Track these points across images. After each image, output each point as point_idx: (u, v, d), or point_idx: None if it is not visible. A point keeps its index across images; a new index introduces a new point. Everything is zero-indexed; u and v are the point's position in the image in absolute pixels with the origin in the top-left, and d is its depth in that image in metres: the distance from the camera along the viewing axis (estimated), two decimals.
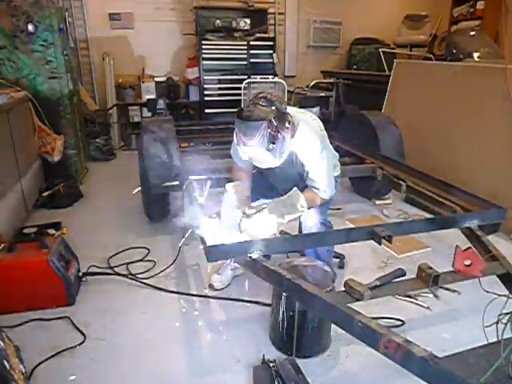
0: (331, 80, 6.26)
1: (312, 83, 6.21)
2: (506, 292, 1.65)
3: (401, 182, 2.71)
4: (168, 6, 5.76)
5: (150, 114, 5.46)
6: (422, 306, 2.15)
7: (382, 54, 5.64)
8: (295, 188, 1.95)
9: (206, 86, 5.56)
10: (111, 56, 5.39)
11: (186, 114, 5.76)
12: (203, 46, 5.43)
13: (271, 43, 5.75)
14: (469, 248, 1.76)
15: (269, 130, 1.74)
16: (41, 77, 3.61)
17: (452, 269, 1.71)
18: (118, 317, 2.07)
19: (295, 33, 6.54)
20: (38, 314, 2.04)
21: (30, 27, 3.44)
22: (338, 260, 2.52)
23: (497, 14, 5.30)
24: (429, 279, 1.62)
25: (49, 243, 2.17)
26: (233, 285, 2.34)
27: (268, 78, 5.57)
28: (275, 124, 1.76)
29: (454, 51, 4.36)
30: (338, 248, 2.47)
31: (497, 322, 1.27)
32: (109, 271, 2.45)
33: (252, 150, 1.82)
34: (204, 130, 4.23)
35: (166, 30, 5.78)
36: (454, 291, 2.25)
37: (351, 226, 3.04)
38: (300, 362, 1.69)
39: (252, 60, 5.63)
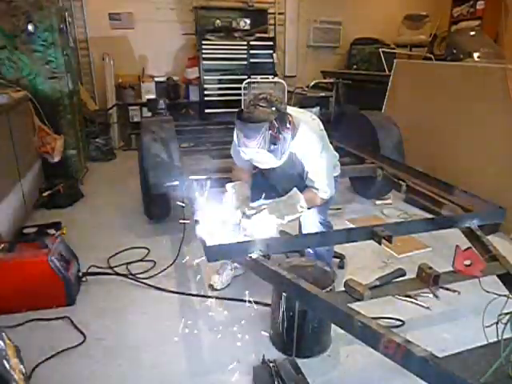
0: (331, 80, 6.27)
1: (312, 83, 6.21)
2: (506, 292, 1.65)
3: (401, 182, 2.71)
4: (168, 5, 5.76)
5: (149, 114, 5.46)
6: (422, 306, 2.15)
7: (381, 53, 5.64)
8: (295, 188, 1.95)
9: (206, 85, 5.56)
10: (111, 56, 5.38)
11: (186, 114, 5.76)
12: (203, 46, 5.43)
13: (271, 43, 5.75)
14: (469, 248, 1.76)
15: (270, 131, 1.74)
16: (41, 77, 3.61)
17: (452, 269, 1.71)
18: (118, 317, 2.07)
19: (295, 33, 6.53)
20: (38, 314, 2.04)
21: (30, 27, 3.44)
22: (338, 260, 2.52)
23: (497, 14, 5.29)
24: (429, 279, 1.62)
25: (49, 243, 2.17)
26: (233, 285, 2.34)
27: (268, 78, 5.57)
28: (276, 125, 1.76)
29: (454, 51, 4.37)
30: (337, 248, 2.47)
31: (497, 322, 1.28)
32: (109, 271, 2.45)
33: (253, 151, 1.82)
34: (204, 130, 4.24)
35: (166, 30, 5.78)
36: (454, 291, 2.25)
37: (351, 225, 3.04)
38: (300, 361, 1.69)
39: (252, 60, 5.63)
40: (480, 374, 1.17)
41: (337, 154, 2.34)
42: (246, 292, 2.20)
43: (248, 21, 5.65)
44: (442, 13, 6.27)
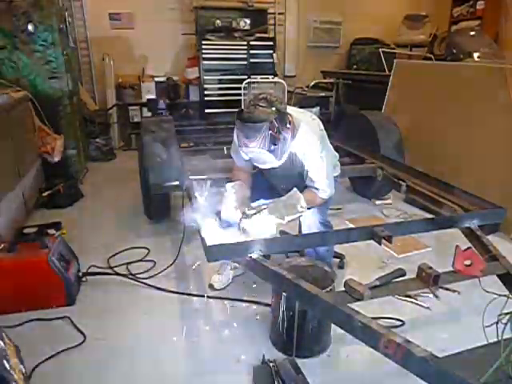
0: (331, 80, 6.27)
1: (312, 83, 6.22)
2: (506, 292, 1.65)
3: (401, 182, 2.70)
4: (168, 5, 5.76)
5: (149, 114, 5.46)
6: (422, 306, 2.16)
7: (381, 53, 5.64)
8: (295, 188, 1.95)
9: (206, 85, 5.56)
10: (111, 56, 5.39)
11: (186, 114, 5.76)
12: (203, 46, 5.43)
13: (271, 43, 5.75)
14: (469, 248, 1.75)
15: (270, 132, 1.74)
16: (41, 77, 3.61)
17: (452, 269, 1.70)
18: (118, 317, 2.07)
19: (295, 33, 6.54)
20: (38, 313, 2.04)
21: (30, 27, 3.44)
22: (338, 260, 2.52)
23: (497, 14, 5.30)
24: (429, 279, 1.61)
25: (49, 243, 2.17)
26: (233, 285, 2.34)
27: (268, 78, 5.57)
28: (276, 125, 1.76)
29: (454, 51, 4.37)
30: (337, 248, 2.47)
31: (497, 322, 1.28)
32: (109, 271, 2.45)
33: (253, 151, 1.82)
34: (204, 130, 4.24)
35: (166, 30, 5.78)
36: (454, 291, 2.25)
37: (351, 225, 3.04)
38: (300, 361, 1.69)
39: (252, 60, 5.63)
40: (480, 374, 1.16)
41: (337, 154, 2.34)
42: (246, 292, 2.22)
43: (248, 21, 5.65)
44: (442, 13, 6.27)
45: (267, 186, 2.24)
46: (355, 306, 1.46)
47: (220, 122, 4.41)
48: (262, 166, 2.00)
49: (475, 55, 4.16)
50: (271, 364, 1.65)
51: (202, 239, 1.74)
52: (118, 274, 2.43)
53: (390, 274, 1.71)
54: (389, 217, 3.34)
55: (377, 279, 1.65)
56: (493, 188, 2.90)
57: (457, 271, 1.69)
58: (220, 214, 2.01)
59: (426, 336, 1.88)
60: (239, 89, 5.36)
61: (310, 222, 2.09)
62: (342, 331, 1.45)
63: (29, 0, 3.44)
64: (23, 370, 1.46)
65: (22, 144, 3.05)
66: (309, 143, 1.95)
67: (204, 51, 5.43)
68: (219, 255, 1.71)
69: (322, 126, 2.09)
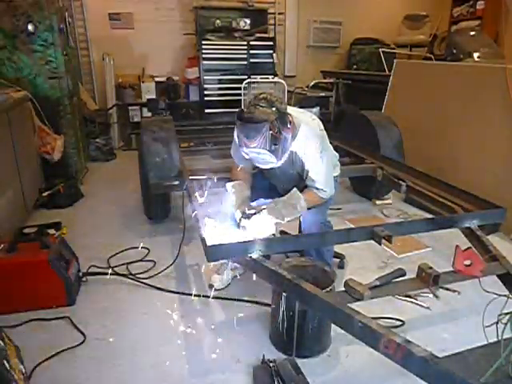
0: (331, 80, 6.27)
1: (312, 83, 6.22)
2: (506, 292, 1.65)
3: (401, 182, 2.71)
4: (168, 5, 5.76)
5: (149, 114, 5.46)
6: (422, 306, 2.16)
7: (381, 53, 5.64)
8: (295, 188, 1.95)
9: (206, 85, 5.57)
10: (111, 56, 5.39)
11: (186, 114, 5.76)
12: (203, 46, 5.43)
13: (271, 43, 5.75)
14: (469, 248, 1.75)
15: (270, 132, 1.74)
16: (41, 77, 3.61)
17: (452, 269, 1.71)
18: (118, 317, 2.07)
19: (295, 33, 6.53)
20: (38, 313, 2.04)
21: (30, 27, 3.44)
22: (338, 260, 2.52)
23: (497, 14, 5.29)
24: (429, 279, 1.62)
25: (49, 243, 2.17)
26: (233, 285, 2.34)
27: (268, 78, 5.57)
28: (276, 125, 1.76)
29: (454, 51, 4.37)
30: (337, 248, 2.47)
31: (497, 322, 1.27)
32: (109, 271, 2.45)
33: (254, 151, 1.82)
34: (204, 130, 4.24)
35: (166, 30, 5.78)
36: (454, 291, 2.25)
37: (351, 226, 3.04)
38: (300, 361, 1.69)
39: (252, 60, 5.63)
40: (480, 374, 1.16)
41: (337, 154, 2.35)
42: (246, 292, 2.22)
43: (248, 21, 5.65)
44: (442, 13, 6.27)
45: (267, 185, 2.24)
46: (355, 306, 1.46)
47: (220, 122, 4.41)
48: (262, 166, 2.00)
49: (475, 55, 4.15)
50: (271, 364, 1.65)
51: (202, 239, 1.74)
52: (117, 273, 2.43)
53: (390, 273, 1.72)
54: (389, 217, 3.34)
55: (377, 279, 1.65)
56: (492, 188, 2.91)
57: (457, 271, 1.70)
58: (220, 214, 2.01)
59: (426, 336, 1.88)
60: (239, 89, 5.36)
61: (310, 222, 2.09)
62: (342, 331, 1.45)
63: (29, 0, 3.44)
64: (23, 370, 1.46)
65: (21, 144, 3.05)
66: (309, 143, 1.95)
67: (204, 51, 5.44)
68: (219, 255, 1.72)
69: (322, 126, 2.09)
